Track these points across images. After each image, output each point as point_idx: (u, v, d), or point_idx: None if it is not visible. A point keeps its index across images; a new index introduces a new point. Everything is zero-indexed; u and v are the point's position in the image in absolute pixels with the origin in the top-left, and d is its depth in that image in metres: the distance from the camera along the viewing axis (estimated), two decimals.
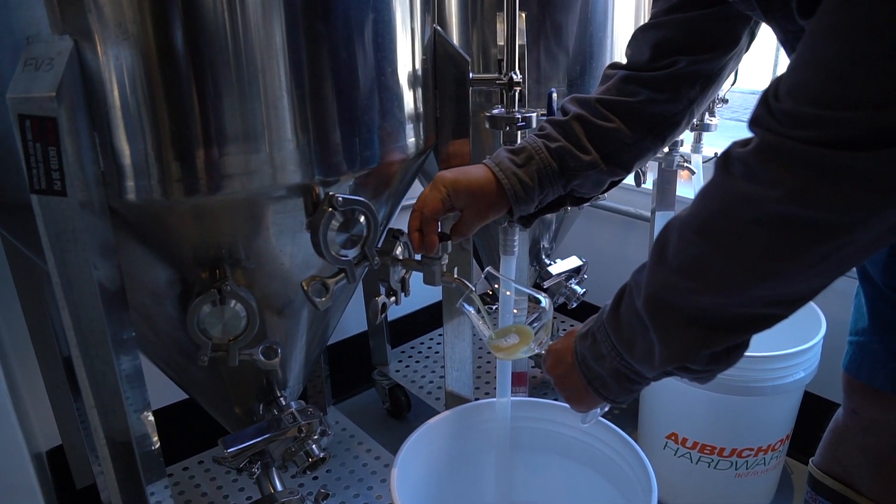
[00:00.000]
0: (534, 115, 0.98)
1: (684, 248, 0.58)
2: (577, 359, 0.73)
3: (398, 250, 0.96)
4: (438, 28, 0.96)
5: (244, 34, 0.73)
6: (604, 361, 0.69)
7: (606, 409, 0.81)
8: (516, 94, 0.98)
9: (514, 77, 0.97)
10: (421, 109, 0.95)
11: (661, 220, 1.68)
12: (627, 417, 1.67)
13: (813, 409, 1.49)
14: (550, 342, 0.83)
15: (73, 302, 0.74)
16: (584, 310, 1.87)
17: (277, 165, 0.79)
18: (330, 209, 0.77)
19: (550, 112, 0.99)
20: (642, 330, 0.63)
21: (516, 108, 0.98)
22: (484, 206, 0.85)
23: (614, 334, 0.67)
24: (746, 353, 0.64)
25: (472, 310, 0.87)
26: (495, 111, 1.00)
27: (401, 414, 1.83)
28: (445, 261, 0.94)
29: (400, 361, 1.85)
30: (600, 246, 1.98)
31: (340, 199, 0.78)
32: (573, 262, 1.52)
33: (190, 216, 0.81)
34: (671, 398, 1.44)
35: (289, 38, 0.75)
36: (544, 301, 0.86)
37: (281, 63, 0.76)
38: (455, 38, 1.19)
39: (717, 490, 1.47)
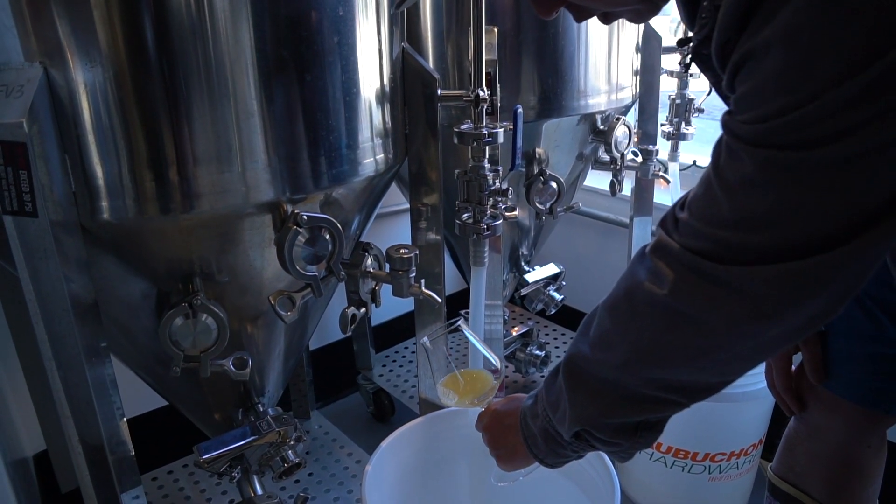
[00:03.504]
0: (500, 130, 1.01)
1: (598, 324, 0.65)
2: (520, 416, 0.78)
3: (367, 262, 0.99)
4: (407, 46, 0.99)
5: (215, 58, 0.75)
6: (537, 420, 0.74)
7: (530, 472, 0.86)
8: (483, 109, 1.00)
9: (481, 93, 0.99)
10: (389, 125, 0.97)
11: (639, 226, 1.70)
12: None
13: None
14: (492, 401, 0.90)
15: (46, 316, 0.77)
16: (564, 314, 1.90)
17: (249, 184, 0.81)
18: (294, 227, 0.80)
19: (516, 127, 1.01)
20: (562, 392, 0.69)
21: (484, 124, 1.00)
22: None
23: (546, 395, 0.73)
24: None
25: (428, 344, 0.90)
26: (464, 126, 1.03)
27: (385, 417, 1.85)
28: (413, 273, 0.97)
29: (384, 366, 1.88)
30: (580, 251, 2.01)
31: (305, 216, 0.80)
32: (551, 269, 1.55)
33: (163, 233, 0.84)
34: None
35: (258, 61, 0.78)
36: (495, 362, 0.92)
37: (251, 86, 0.78)
38: (430, 52, 1.22)
39: (692, 493, 1.50)
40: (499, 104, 1.06)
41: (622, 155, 1.34)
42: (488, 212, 1.05)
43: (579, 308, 2.04)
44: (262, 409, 1.14)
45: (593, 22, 1.35)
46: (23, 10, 0.69)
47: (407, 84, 1.00)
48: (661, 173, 1.49)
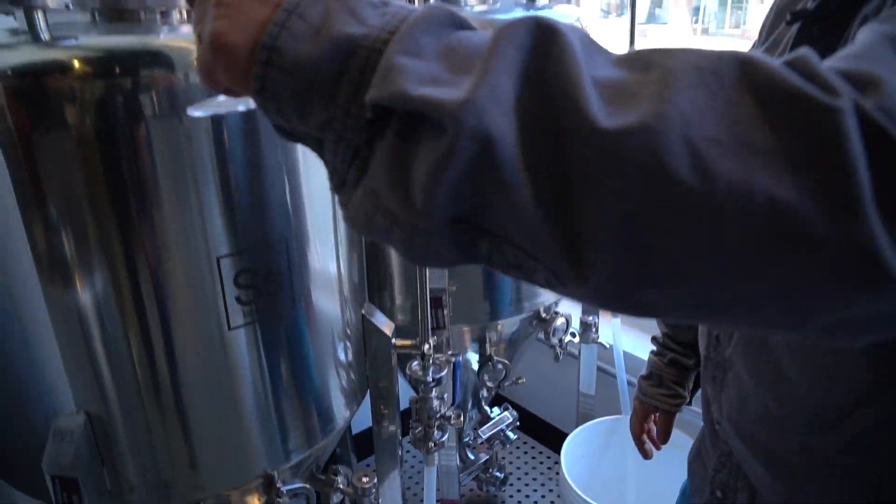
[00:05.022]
0: (444, 373, 1.26)
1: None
2: None
3: (338, 480, 1.25)
4: (365, 314, 1.23)
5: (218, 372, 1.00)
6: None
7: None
8: (431, 360, 1.25)
9: (426, 347, 1.24)
10: (354, 377, 1.22)
11: (587, 352, 1.95)
12: None
13: None
14: None
15: None
16: (528, 422, 2.14)
17: (247, 465, 1.06)
18: (277, 499, 1.06)
19: (455, 377, 1.26)
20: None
21: (430, 372, 1.25)
22: None
23: None
24: None
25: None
26: (414, 365, 1.27)
27: None
28: (373, 494, 1.22)
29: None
30: (539, 369, 2.26)
31: (283, 490, 1.06)
32: (505, 418, 1.80)
33: None
34: None
35: (250, 361, 1.03)
36: None
37: (246, 382, 1.03)
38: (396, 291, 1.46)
39: None
40: (448, 327, 1.31)
41: (560, 340, 1.59)
42: (436, 432, 1.30)
43: (541, 416, 2.31)
44: None
45: None
46: (74, 364, 0.94)
47: (367, 340, 1.25)
48: (599, 341, 1.73)
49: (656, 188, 0.31)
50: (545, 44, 0.34)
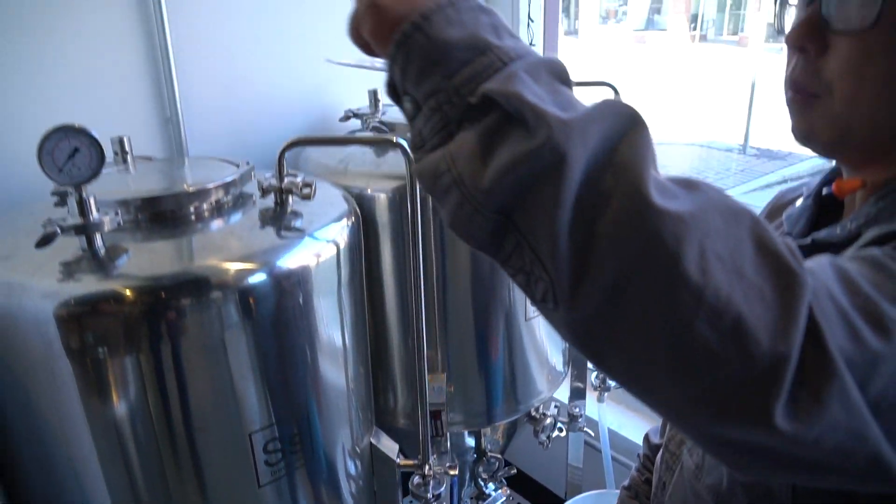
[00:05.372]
0: (443, 489, 1.41)
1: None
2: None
3: None
4: (373, 442, 1.39)
5: None
6: (479, 16, 0.48)
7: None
8: (431, 478, 1.40)
9: (427, 468, 1.39)
10: (363, 486, 1.38)
11: (574, 438, 2.11)
12: None
13: None
14: None
15: None
16: (520, 481, 2.28)
17: None
18: None
19: (452, 494, 1.41)
20: (562, 93, 0.46)
21: (430, 488, 1.40)
22: None
23: (522, 52, 0.47)
24: None
25: None
26: (416, 480, 1.43)
27: None
28: None
29: None
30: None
31: None
32: (499, 496, 1.96)
33: None
34: None
35: None
36: None
37: None
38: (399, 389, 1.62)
39: None
40: (446, 434, 1.46)
41: (549, 436, 1.74)
42: None
43: (536, 478, 2.47)
44: None
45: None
46: None
47: (375, 461, 1.40)
48: (585, 429, 1.88)
49: (665, 264, 0.40)
50: (633, 129, 0.44)
